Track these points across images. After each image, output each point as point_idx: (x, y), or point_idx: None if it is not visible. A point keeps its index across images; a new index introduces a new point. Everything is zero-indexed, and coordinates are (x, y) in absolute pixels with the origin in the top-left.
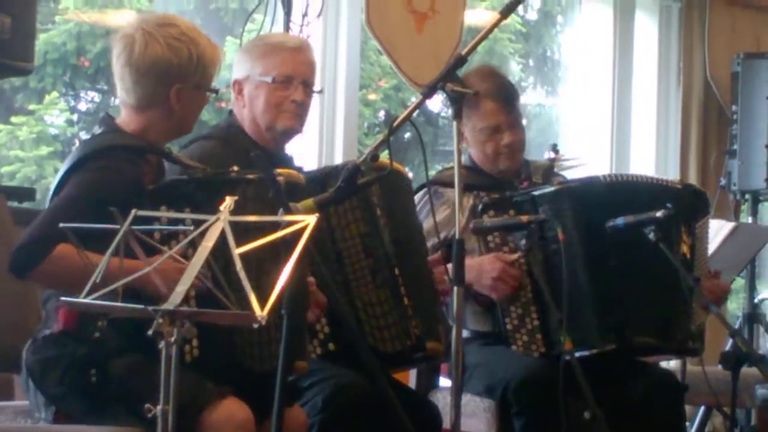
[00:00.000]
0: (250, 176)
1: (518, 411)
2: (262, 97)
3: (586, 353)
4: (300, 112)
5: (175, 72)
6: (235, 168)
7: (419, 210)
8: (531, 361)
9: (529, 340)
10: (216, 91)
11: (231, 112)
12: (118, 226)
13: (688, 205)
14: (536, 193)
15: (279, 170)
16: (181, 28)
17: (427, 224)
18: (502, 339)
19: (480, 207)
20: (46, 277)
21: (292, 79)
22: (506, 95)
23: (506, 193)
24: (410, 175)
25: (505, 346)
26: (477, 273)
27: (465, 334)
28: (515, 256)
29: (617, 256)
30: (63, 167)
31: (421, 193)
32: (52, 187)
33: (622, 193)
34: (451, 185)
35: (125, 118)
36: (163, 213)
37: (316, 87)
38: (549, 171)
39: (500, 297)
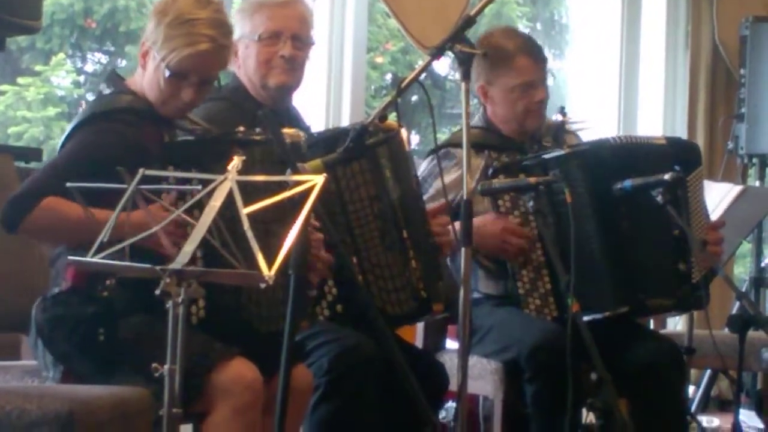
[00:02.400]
0: (257, 137)
1: (530, 377)
2: (253, 56)
3: (599, 316)
4: (290, 67)
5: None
6: (242, 128)
7: (429, 171)
8: (544, 326)
9: (542, 304)
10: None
11: (234, 73)
12: (125, 185)
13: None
14: (546, 156)
15: (282, 130)
16: None
17: (436, 185)
18: (514, 301)
19: (490, 172)
20: (35, 228)
21: (280, 34)
22: (538, 51)
23: (516, 158)
24: (416, 138)
25: (517, 307)
26: (481, 235)
27: (475, 295)
28: (518, 219)
29: (626, 218)
30: (68, 127)
31: (431, 156)
32: (59, 146)
33: (627, 155)
34: (462, 146)
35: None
36: (170, 172)
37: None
38: (560, 130)
39: (509, 257)
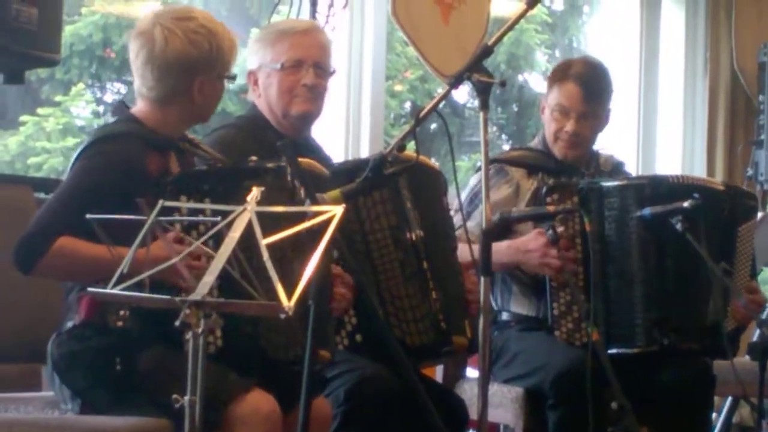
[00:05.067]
0: (270, 165)
1: (553, 404)
2: (275, 84)
3: (628, 351)
4: (313, 96)
5: (196, 65)
6: (254, 158)
7: (479, 188)
8: (570, 352)
9: (574, 328)
10: (234, 77)
11: (253, 103)
12: (144, 217)
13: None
14: (604, 184)
15: (301, 160)
16: (199, 20)
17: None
18: (544, 325)
19: (544, 190)
20: (50, 270)
21: (302, 62)
22: (592, 86)
23: (573, 179)
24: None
25: (546, 333)
26: (524, 254)
27: (505, 316)
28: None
29: (671, 257)
30: (72, 156)
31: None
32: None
33: (683, 194)
34: (517, 165)
35: (144, 108)
36: (186, 204)
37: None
38: (619, 167)
39: (552, 272)
